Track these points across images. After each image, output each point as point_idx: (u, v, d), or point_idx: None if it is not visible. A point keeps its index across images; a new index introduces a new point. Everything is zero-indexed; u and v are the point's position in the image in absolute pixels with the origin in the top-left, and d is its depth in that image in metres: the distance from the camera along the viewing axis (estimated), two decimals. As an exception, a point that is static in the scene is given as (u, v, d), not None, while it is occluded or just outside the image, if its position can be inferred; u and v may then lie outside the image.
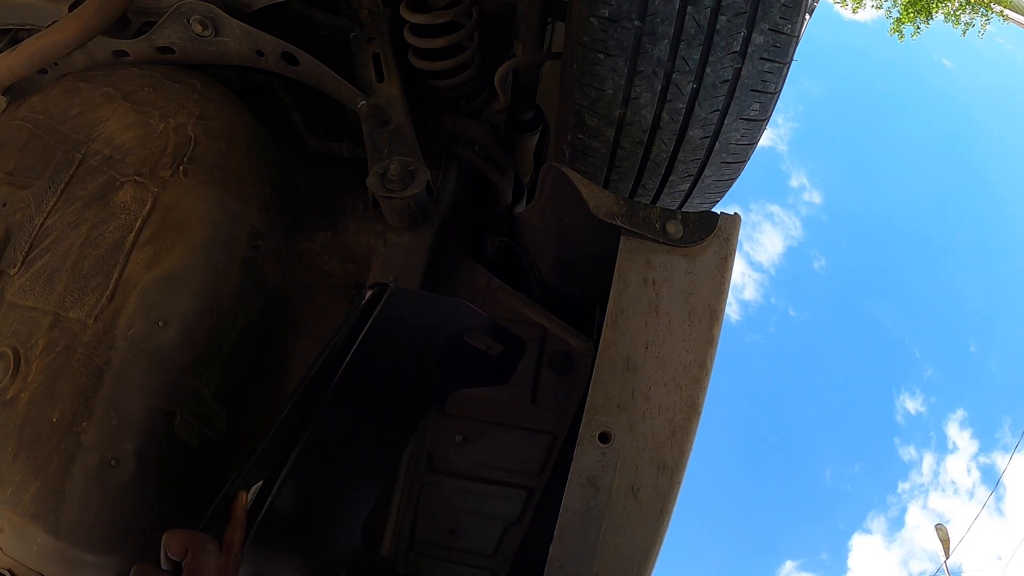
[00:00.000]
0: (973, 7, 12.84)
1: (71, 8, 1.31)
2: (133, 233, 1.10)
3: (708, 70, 1.18)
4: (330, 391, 1.03)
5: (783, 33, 1.14)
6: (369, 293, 1.10)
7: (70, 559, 0.99)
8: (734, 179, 1.55)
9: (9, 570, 1.03)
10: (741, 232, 1.09)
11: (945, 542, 13.48)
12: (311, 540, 1.08)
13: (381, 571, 1.15)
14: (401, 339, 1.13)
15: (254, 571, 0.97)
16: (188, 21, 1.29)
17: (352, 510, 1.13)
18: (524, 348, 1.24)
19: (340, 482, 1.12)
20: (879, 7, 13.94)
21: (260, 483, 0.99)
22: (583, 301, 1.44)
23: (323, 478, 1.09)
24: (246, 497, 0.94)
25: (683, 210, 1.41)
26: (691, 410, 1.02)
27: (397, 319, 1.09)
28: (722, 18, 1.11)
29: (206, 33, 1.30)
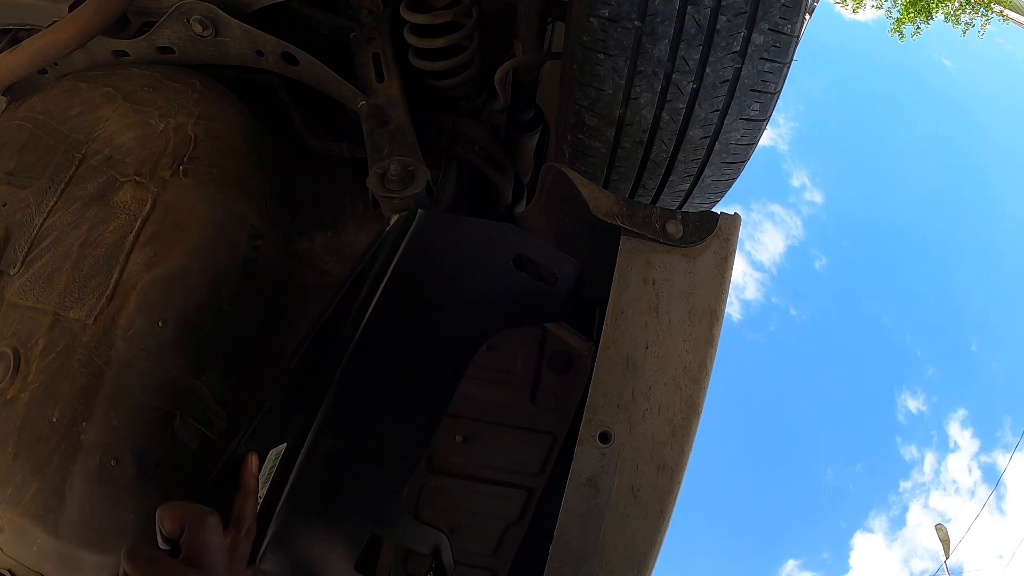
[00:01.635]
0: (973, 7, 12.84)
1: (71, 8, 1.31)
2: (133, 233, 1.10)
3: (708, 70, 1.18)
4: (359, 334, 0.91)
5: (783, 33, 1.14)
6: (395, 218, 0.98)
7: (70, 559, 0.99)
8: (734, 179, 1.55)
9: (9, 570, 1.03)
10: (742, 232, 1.08)
11: (945, 542, 13.48)
12: (348, 508, 0.96)
13: (428, 538, 1.01)
14: (436, 272, 1.01)
15: (282, 545, 0.87)
16: (188, 21, 1.29)
17: (394, 470, 1.00)
18: (579, 270, 1.06)
19: (378, 440, 0.99)
20: (879, 7, 13.95)
21: (284, 446, 0.88)
22: (583, 301, 1.44)
23: (358, 436, 0.97)
24: (257, 462, 0.84)
25: (683, 210, 1.41)
26: (691, 410, 1.02)
27: (429, 249, 0.98)
28: (722, 18, 1.11)
29: (206, 33, 1.30)
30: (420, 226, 0.97)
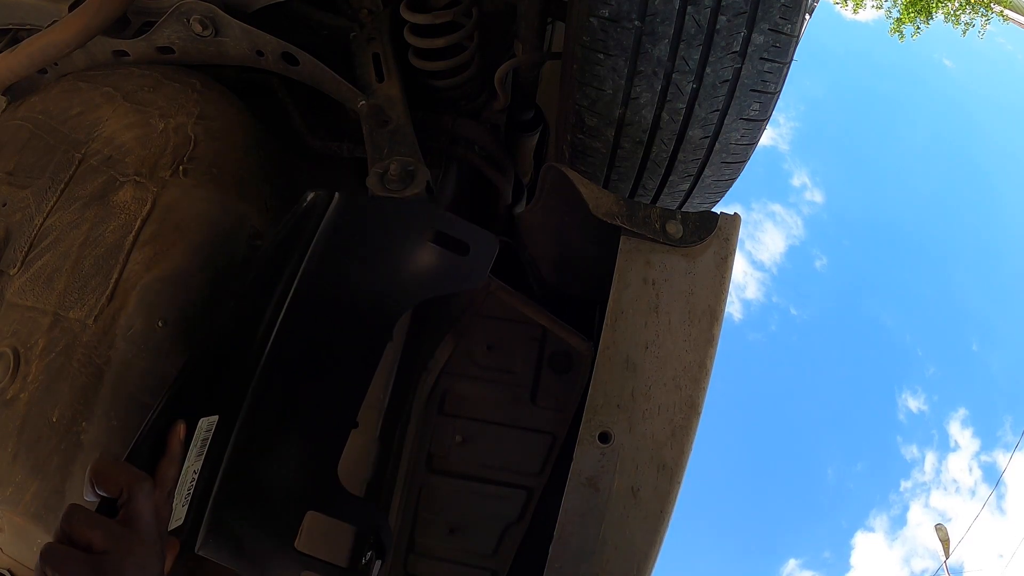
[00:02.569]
0: (973, 7, 12.84)
1: (71, 8, 1.31)
2: (133, 233, 1.10)
3: (708, 70, 1.18)
4: (284, 312, 0.96)
5: (783, 33, 1.14)
6: (309, 196, 1.03)
7: (70, 559, 0.99)
8: (734, 179, 1.55)
9: (9, 570, 1.03)
10: (742, 231, 1.09)
11: (945, 542, 13.48)
12: (284, 487, 0.97)
13: (367, 516, 1.02)
14: (356, 249, 1.06)
15: (219, 528, 0.90)
16: (188, 21, 1.29)
17: (326, 445, 1.01)
18: (496, 244, 1.10)
19: (309, 415, 1.01)
20: (879, 7, 13.95)
21: (216, 418, 0.89)
22: (583, 301, 1.44)
23: (289, 412, 0.99)
24: (184, 430, 0.84)
25: (683, 210, 1.41)
26: (691, 410, 1.02)
27: (348, 228, 1.03)
28: (722, 18, 1.11)
29: (206, 33, 1.30)
30: (338, 208, 1.03)
